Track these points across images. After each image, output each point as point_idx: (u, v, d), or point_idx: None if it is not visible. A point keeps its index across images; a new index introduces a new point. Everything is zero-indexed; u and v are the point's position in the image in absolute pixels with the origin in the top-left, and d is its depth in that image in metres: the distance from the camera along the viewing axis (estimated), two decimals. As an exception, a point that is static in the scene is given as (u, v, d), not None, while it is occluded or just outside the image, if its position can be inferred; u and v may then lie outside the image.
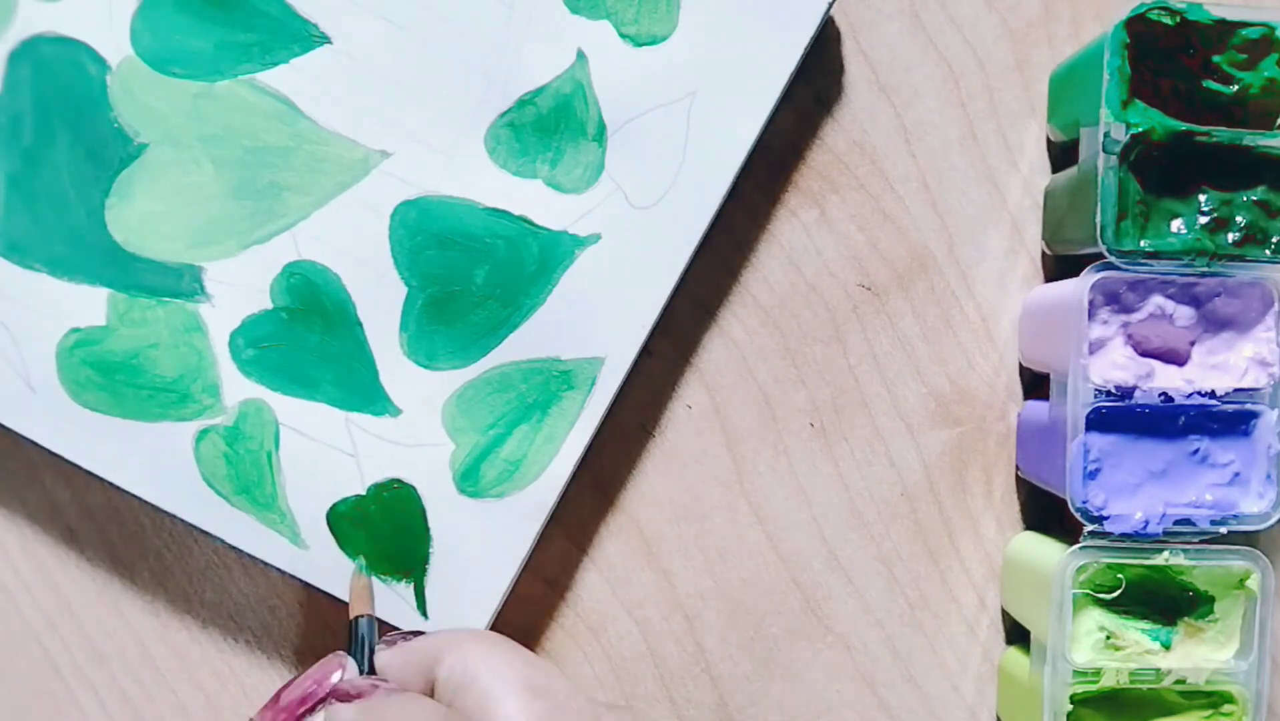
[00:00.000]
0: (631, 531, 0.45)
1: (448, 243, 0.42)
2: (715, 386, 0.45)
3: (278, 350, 0.42)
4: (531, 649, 0.45)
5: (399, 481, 0.42)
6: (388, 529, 0.42)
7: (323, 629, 0.45)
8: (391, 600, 0.42)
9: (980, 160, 0.45)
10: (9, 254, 0.42)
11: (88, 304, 0.42)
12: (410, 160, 0.42)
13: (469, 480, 0.42)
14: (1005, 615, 0.45)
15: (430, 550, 0.42)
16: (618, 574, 0.45)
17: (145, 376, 0.42)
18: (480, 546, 0.42)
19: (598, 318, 0.42)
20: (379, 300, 0.42)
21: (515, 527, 0.42)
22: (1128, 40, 0.39)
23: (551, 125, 0.42)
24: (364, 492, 0.42)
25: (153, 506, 0.42)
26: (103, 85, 0.42)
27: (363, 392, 0.42)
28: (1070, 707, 0.39)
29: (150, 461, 0.42)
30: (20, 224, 0.42)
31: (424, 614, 0.42)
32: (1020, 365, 0.45)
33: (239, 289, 0.42)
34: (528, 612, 0.45)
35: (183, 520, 0.42)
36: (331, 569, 0.42)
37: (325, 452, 0.42)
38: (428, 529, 0.42)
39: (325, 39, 0.42)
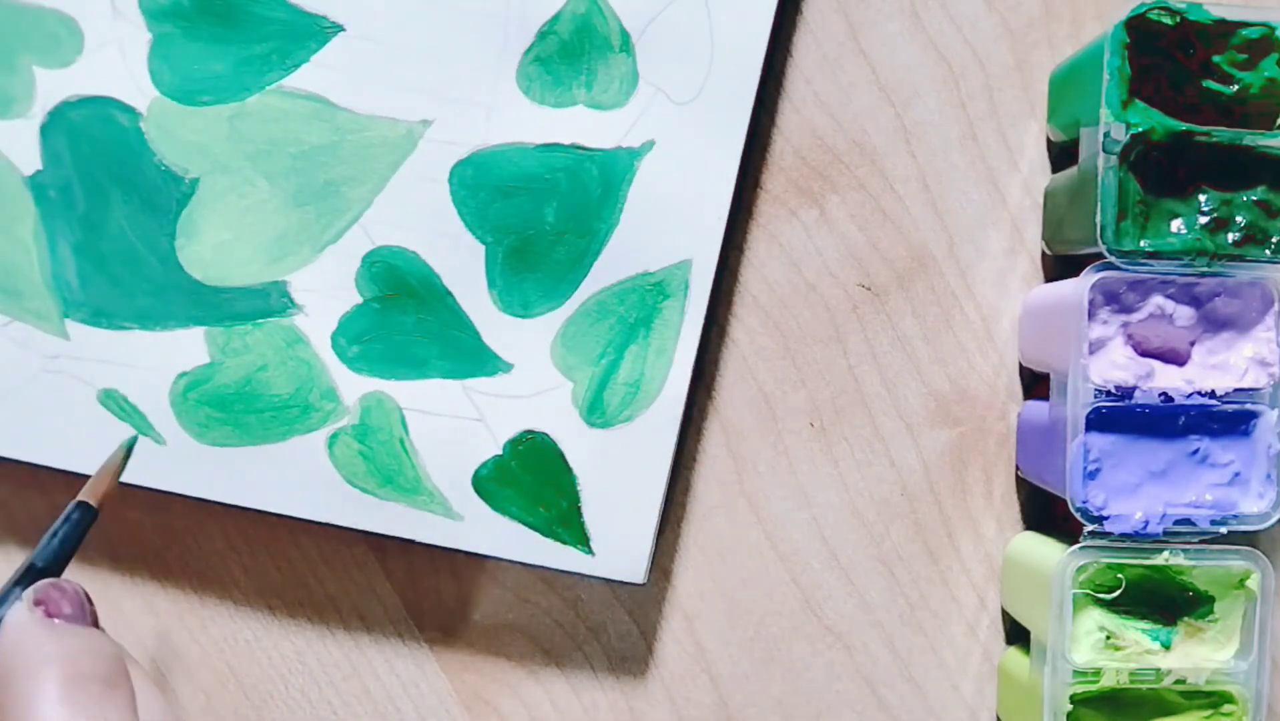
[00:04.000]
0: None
1: (510, 190, 0.42)
2: (715, 386, 0.45)
3: (380, 340, 0.42)
4: (531, 648, 0.45)
5: (530, 432, 0.43)
6: (532, 480, 0.43)
7: (324, 629, 0.45)
8: (554, 546, 0.43)
9: (980, 160, 0.45)
10: (96, 320, 0.42)
11: (187, 346, 0.42)
12: (452, 122, 0.42)
13: (595, 412, 0.42)
14: (1005, 615, 0.45)
15: (579, 488, 0.43)
16: (618, 574, 0.45)
17: (262, 399, 0.42)
18: (624, 472, 0.42)
19: (673, 221, 0.42)
20: (461, 265, 0.42)
21: (652, 445, 0.42)
22: (1128, 40, 0.39)
23: (577, 48, 0.42)
24: (500, 452, 0.43)
25: (307, 521, 0.43)
26: (138, 133, 0.42)
27: (471, 358, 0.43)
28: (1070, 707, 0.39)
29: (291, 479, 0.42)
30: (99, 289, 0.42)
31: (589, 550, 0.43)
32: (1020, 365, 0.45)
33: (326, 291, 0.42)
34: (528, 612, 0.45)
35: (340, 526, 0.43)
36: (491, 532, 0.43)
37: (453, 424, 0.42)
38: (570, 469, 0.43)
39: (338, 27, 0.42)
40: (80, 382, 0.42)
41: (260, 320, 0.42)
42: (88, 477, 0.39)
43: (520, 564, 0.43)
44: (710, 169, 0.42)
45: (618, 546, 0.43)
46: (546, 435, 0.43)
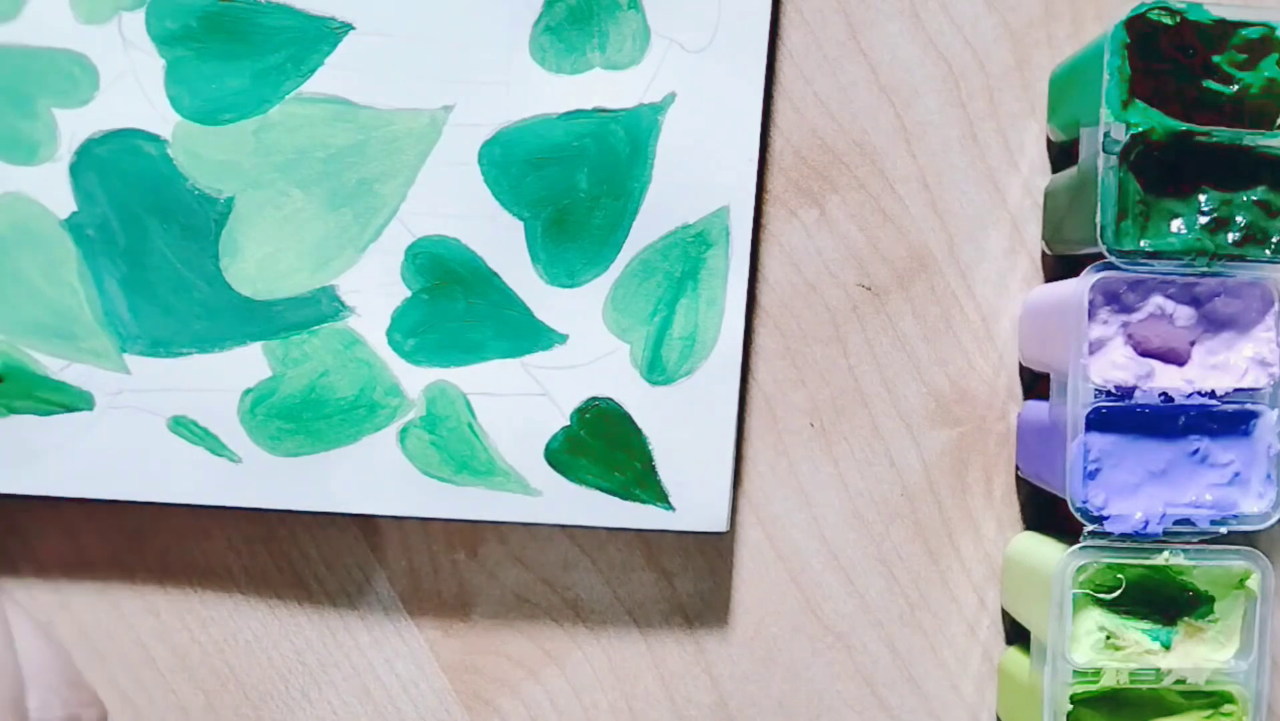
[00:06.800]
0: (631, 531, 0.45)
1: (539, 163, 0.42)
2: (715, 386, 0.45)
3: (434, 330, 0.43)
4: (531, 648, 0.45)
5: (595, 399, 0.43)
6: (603, 446, 0.43)
7: (324, 629, 0.45)
8: (634, 507, 0.43)
9: (980, 160, 0.45)
10: (154, 350, 0.42)
11: (248, 363, 0.43)
12: (473, 103, 0.42)
13: (655, 370, 0.43)
14: (1005, 615, 0.45)
15: (650, 447, 0.43)
16: (618, 573, 0.45)
17: (329, 404, 0.43)
18: (692, 425, 0.43)
19: (705, 170, 0.43)
20: (502, 243, 0.43)
21: (715, 394, 0.43)
22: (1128, 40, 0.39)
23: (585, 11, 0.42)
24: (568, 423, 0.43)
25: (390, 518, 0.44)
26: (166, 160, 0.42)
27: (526, 335, 0.43)
28: (1070, 707, 0.39)
29: (369, 478, 0.43)
30: (152, 319, 0.42)
31: (669, 506, 0.43)
32: (1020, 365, 0.45)
33: (374, 290, 0.43)
34: (529, 612, 0.45)
35: (421, 518, 0.43)
36: (570, 503, 0.43)
37: (518, 402, 0.43)
38: (639, 430, 0.43)
39: (347, 26, 0.42)
40: (148, 414, 0.43)
41: (315, 327, 0.43)
42: (172, 507, 0.42)
43: (604, 528, 0.44)
44: (734, 112, 0.42)
45: (696, 498, 0.43)
46: (611, 400, 0.43)
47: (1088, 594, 0.40)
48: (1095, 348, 0.40)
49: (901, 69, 0.45)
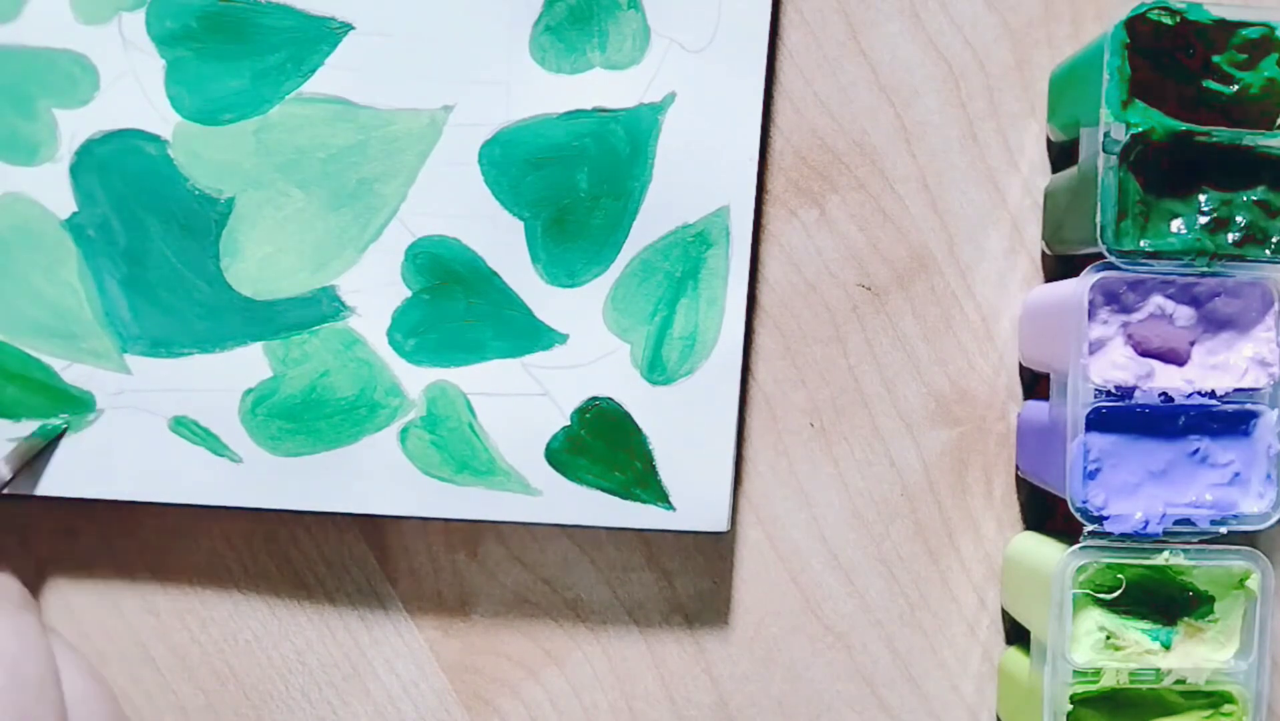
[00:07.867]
0: (631, 531, 0.45)
1: (540, 163, 0.43)
2: (715, 386, 0.45)
3: (434, 330, 0.43)
4: (531, 648, 0.45)
5: (595, 399, 0.43)
6: (603, 446, 0.43)
7: (324, 629, 0.45)
8: (634, 506, 0.43)
9: (980, 160, 0.45)
10: (155, 351, 0.42)
11: (249, 363, 0.43)
12: (473, 103, 0.42)
13: (656, 370, 0.43)
14: (1005, 615, 0.45)
15: (651, 448, 0.43)
16: (617, 573, 0.45)
17: (330, 405, 0.43)
18: (693, 425, 0.43)
19: (705, 170, 0.43)
20: (503, 244, 0.43)
21: (716, 394, 0.43)
22: (1128, 40, 0.39)
23: (586, 11, 0.42)
24: (569, 423, 0.43)
25: (392, 518, 0.44)
26: (167, 160, 0.42)
27: (526, 335, 0.43)
28: (1070, 707, 0.39)
29: (370, 478, 0.43)
30: (152, 319, 0.42)
31: (669, 506, 0.43)
32: (1020, 365, 0.45)
33: (375, 290, 0.43)
34: (529, 612, 0.45)
35: (421, 517, 0.43)
36: (570, 503, 0.43)
37: (518, 402, 0.43)
38: (639, 430, 0.43)
39: (347, 26, 0.42)
40: (149, 414, 0.43)
41: (315, 327, 0.43)
42: (172, 507, 0.43)
43: (604, 528, 0.44)
44: (734, 112, 0.43)
45: (697, 498, 0.43)
46: (611, 399, 0.43)
47: (1088, 594, 0.40)
48: (1095, 348, 0.40)
49: (901, 69, 0.45)
